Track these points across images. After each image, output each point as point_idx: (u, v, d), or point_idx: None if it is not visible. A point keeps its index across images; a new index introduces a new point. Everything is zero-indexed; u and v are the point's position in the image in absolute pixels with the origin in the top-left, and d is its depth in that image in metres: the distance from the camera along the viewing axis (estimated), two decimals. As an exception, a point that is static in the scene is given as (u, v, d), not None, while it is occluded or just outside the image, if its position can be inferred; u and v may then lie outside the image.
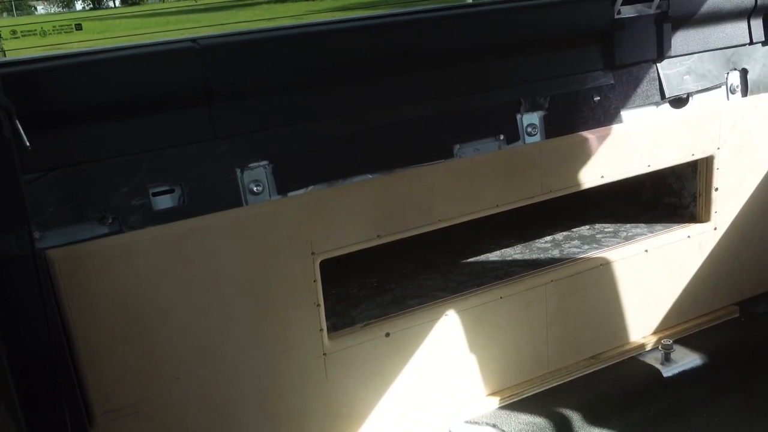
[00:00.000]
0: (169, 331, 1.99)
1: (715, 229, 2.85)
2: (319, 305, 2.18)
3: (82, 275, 1.86)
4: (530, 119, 2.44)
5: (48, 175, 1.85)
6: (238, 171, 2.05)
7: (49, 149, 1.83)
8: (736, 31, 2.75)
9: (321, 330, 2.20)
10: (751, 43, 2.79)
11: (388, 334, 2.32)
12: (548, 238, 2.93)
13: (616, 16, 2.49)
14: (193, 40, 2.00)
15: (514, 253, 2.82)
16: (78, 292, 1.86)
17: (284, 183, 2.11)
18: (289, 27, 2.23)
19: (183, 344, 2.02)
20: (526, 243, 2.90)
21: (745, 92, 2.81)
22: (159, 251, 1.94)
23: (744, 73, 2.80)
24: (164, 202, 1.98)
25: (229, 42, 2.07)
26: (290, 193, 2.13)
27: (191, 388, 2.06)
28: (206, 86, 1.96)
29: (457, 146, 2.34)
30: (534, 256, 2.76)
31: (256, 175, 2.08)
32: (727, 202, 2.84)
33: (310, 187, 2.15)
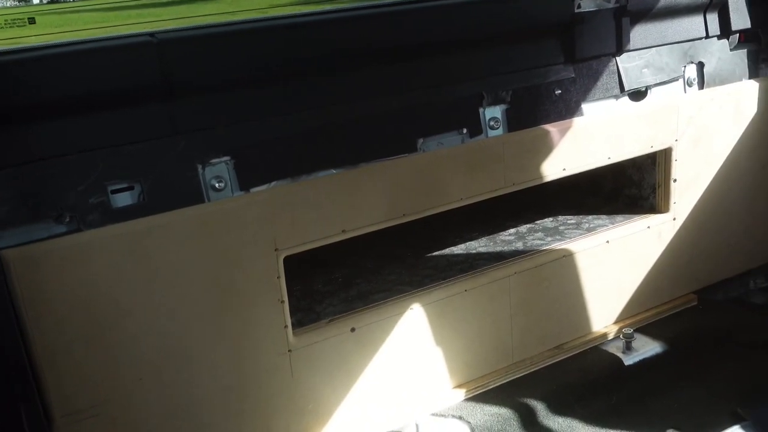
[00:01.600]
0: (130, 331, 1.96)
1: (674, 219, 2.91)
2: (283, 302, 2.17)
3: (39, 276, 1.82)
4: (493, 113, 2.45)
5: (2, 172, 1.80)
6: (200, 167, 2.02)
7: (3, 146, 1.78)
8: (693, 25, 2.80)
9: (285, 327, 2.19)
10: (707, 36, 2.84)
11: (353, 329, 2.32)
12: (512, 230, 2.95)
13: (576, 10, 2.52)
14: (152, 34, 1.97)
15: (479, 246, 2.84)
16: (35, 293, 1.81)
17: (247, 179, 2.09)
18: (250, 21, 2.21)
19: (145, 344, 1.99)
20: (490, 236, 2.92)
21: (701, 85, 2.87)
22: (119, 250, 1.91)
23: (700, 66, 2.85)
24: (123, 199, 1.95)
25: (188, 36, 2.04)
26: (253, 189, 2.11)
27: (154, 388, 2.03)
28: (165, 81, 1.93)
29: (421, 140, 2.35)
30: (498, 249, 2.78)
31: (218, 171, 2.05)
32: (686, 192, 2.90)
33: (273, 183, 2.13)
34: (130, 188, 1.95)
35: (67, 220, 1.88)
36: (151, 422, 2.05)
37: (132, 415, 2.02)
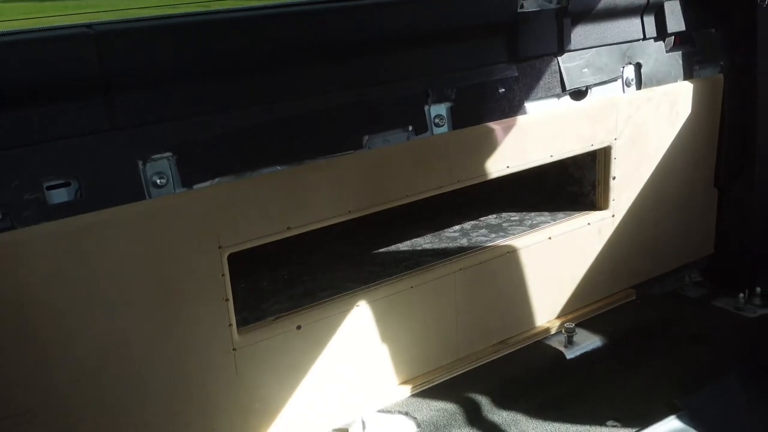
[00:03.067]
0: (67, 332, 1.90)
1: (613, 216, 2.98)
2: (227, 300, 2.13)
3: None
4: (438, 110, 2.47)
5: None
6: (140, 163, 1.98)
7: None
8: (631, 26, 2.87)
9: (230, 325, 2.16)
10: (644, 38, 2.92)
11: (299, 327, 2.30)
12: (457, 227, 2.98)
13: (519, 10, 2.55)
14: (89, 25, 1.91)
15: (424, 242, 2.86)
16: None
17: (189, 175, 2.05)
18: (193, 14, 2.16)
19: (82, 345, 1.93)
20: (436, 233, 2.94)
21: (639, 85, 2.95)
22: (55, 248, 1.85)
23: (638, 67, 2.93)
24: (60, 196, 1.88)
25: (127, 28, 1.98)
26: (196, 186, 2.07)
27: (92, 390, 1.97)
28: (103, 75, 1.88)
29: (367, 137, 2.34)
30: (443, 245, 2.80)
31: (160, 167, 2.00)
32: (624, 190, 2.98)
33: (217, 180, 2.10)
34: (66, 184, 1.89)
35: (0, 217, 1.81)
36: (90, 424, 1.99)
37: (69, 418, 1.96)
